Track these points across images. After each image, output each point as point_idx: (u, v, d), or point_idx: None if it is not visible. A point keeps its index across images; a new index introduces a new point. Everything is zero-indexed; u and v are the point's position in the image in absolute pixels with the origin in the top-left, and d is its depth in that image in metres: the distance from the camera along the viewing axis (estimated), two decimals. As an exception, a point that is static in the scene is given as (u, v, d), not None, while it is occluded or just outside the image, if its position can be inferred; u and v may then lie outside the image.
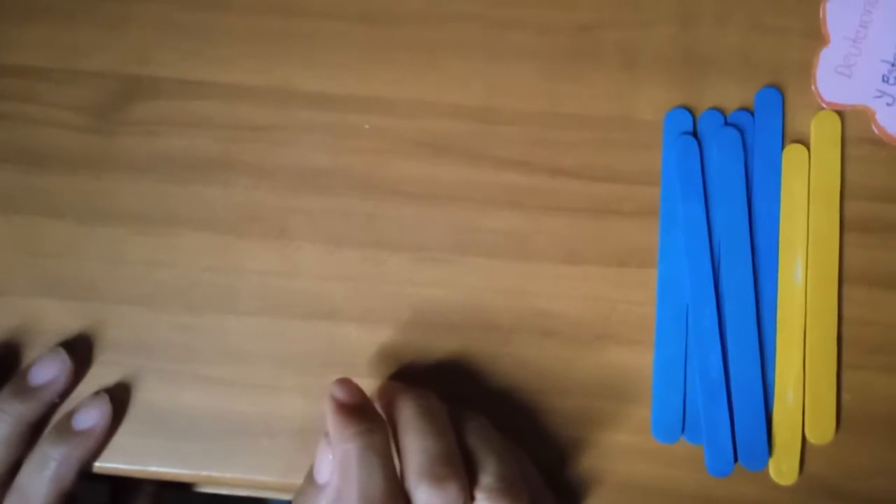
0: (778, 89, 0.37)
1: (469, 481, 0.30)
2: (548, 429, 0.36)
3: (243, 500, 0.42)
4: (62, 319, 0.36)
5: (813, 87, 0.37)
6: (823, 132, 0.37)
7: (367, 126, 0.37)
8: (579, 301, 0.36)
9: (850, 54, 0.37)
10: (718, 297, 0.35)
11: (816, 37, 0.37)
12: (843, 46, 0.37)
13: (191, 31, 0.38)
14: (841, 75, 0.37)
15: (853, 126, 0.37)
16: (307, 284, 0.36)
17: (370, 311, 0.36)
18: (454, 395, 0.35)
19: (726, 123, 0.36)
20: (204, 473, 0.36)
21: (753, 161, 0.36)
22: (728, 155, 0.36)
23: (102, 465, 0.35)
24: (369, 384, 0.36)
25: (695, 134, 0.37)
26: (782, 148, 0.36)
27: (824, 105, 0.37)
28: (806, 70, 0.37)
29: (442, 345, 0.36)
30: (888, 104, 0.37)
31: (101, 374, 0.36)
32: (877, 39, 0.37)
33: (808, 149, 0.36)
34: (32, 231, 0.37)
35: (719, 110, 0.37)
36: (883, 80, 0.37)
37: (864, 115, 0.37)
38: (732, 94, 0.37)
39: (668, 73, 0.37)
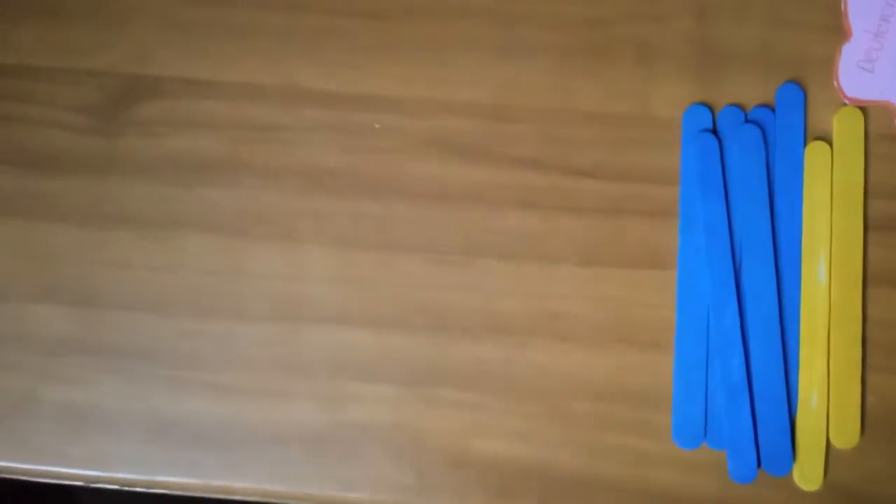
0: (799, 85, 0.36)
1: None
2: (565, 434, 0.35)
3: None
4: (65, 326, 0.35)
5: (834, 83, 0.36)
6: (846, 129, 0.36)
7: (377, 125, 0.36)
8: (595, 303, 0.35)
9: (872, 49, 0.36)
10: (740, 298, 0.35)
11: (837, 31, 0.36)
12: (865, 41, 0.36)
13: (194, 29, 0.37)
14: (863, 70, 0.36)
15: (876, 122, 0.36)
16: (316, 288, 0.35)
17: (381, 315, 0.35)
18: (467, 401, 0.34)
19: (747, 120, 0.36)
20: (214, 483, 0.35)
21: (775, 159, 0.35)
22: (749, 153, 0.35)
23: (109, 474, 0.35)
24: (382, 390, 0.35)
25: (714, 131, 0.36)
26: (804, 145, 0.36)
27: (846, 101, 0.36)
28: (827, 65, 0.36)
29: (455, 349, 0.35)
30: (911, 99, 0.36)
31: (106, 382, 0.35)
32: (900, 33, 0.36)
33: (831, 146, 0.36)
34: (34, 235, 0.36)
35: (739, 107, 0.36)
36: (906, 75, 0.36)
37: (887, 111, 0.36)
38: (751, 90, 0.36)
39: (685, 68, 0.36)
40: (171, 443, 0.35)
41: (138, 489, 0.35)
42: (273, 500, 0.35)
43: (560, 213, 0.36)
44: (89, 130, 0.36)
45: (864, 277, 0.35)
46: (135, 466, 0.35)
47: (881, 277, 0.35)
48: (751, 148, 0.35)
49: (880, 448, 0.34)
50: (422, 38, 0.37)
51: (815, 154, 0.35)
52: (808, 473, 0.34)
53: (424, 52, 0.37)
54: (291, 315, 0.35)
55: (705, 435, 0.34)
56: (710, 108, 0.36)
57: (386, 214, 0.36)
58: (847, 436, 0.34)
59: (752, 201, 0.35)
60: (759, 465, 0.34)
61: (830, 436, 0.34)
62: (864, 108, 0.36)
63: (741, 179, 0.35)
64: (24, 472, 0.35)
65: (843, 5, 0.36)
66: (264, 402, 0.35)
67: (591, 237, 0.36)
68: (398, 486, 0.34)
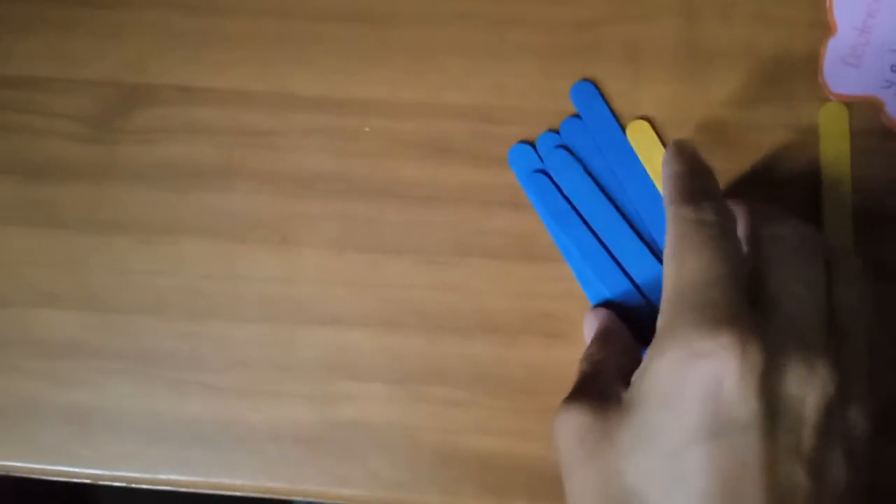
0: (590, 81, 0.36)
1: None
2: (555, 431, 0.35)
3: (272, 501, 0.43)
4: (68, 330, 0.36)
5: (820, 79, 0.36)
6: (831, 124, 0.36)
7: (366, 129, 0.37)
8: (585, 302, 0.36)
9: (857, 44, 0.36)
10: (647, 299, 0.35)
11: (823, 27, 0.37)
12: (851, 36, 0.36)
13: (188, 38, 0.37)
14: (848, 66, 0.36)
15: (861, 118, 0.36)
16: (310, 290, 0.36)
17: (374, 316, 0.36)
18: (459, 399, 0.35)
19: (558, 146, 0.36)
20: (212, 480, 0.36)
21: (605, 154, 0.36)
22: (572, 171, 0.36)
23: (111, 472, 0.36)
24: (375, 388, 0.35)
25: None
26: (623, 131, 0.36)
27: (831, 96, 0.36)
28: (812, 61, 0.36)
29: (447, 348, 0.36)
30: (898, 94, 0.36)
31: (108, 384, 0.36)
32: (885, 28, 0.36)
33: (816, 141, 0.36)
34: (35, 242, 0.37)
35: (552, 132, 0.36)
36: (892, 70, 0.36)
37: (873, 107, 0.36)
38: (738, 88, 0.36)
39: (672, 68, 0.37)
40: (173, 442, 0.36)
41: (144, 486, 0.36)
42: (270, 496, 0.36)
43: (549, 213, 0.36)
44: (87, 139, 0.37)
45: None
46: (139, 465, 0.36)
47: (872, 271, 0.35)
48: (571, 166, 0.36)
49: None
50: (411, 42, 0.37)
51: (636, 133, 0.36)
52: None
53: (413, 56, 0.37)
54: (286, 317, 0.36)
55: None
56: (530, 143, 0.36)
57: (377, 216, 0.36)
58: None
59: (602, 205, 0.36)
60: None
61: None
62: (849, 104, 0.36)
63: (582, 195, 0.36)
64: (34, 471, 0.36)
65: (828, 1, 0.36)
66: (260, 401, 0.36)
67: (579, 236, 0.36)
68: (391, 482, 0.35)
